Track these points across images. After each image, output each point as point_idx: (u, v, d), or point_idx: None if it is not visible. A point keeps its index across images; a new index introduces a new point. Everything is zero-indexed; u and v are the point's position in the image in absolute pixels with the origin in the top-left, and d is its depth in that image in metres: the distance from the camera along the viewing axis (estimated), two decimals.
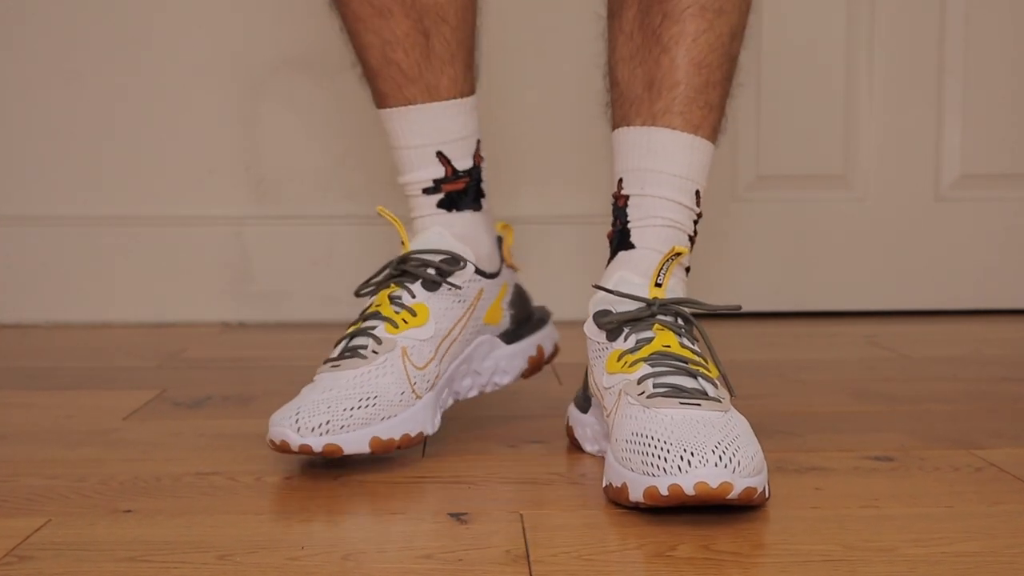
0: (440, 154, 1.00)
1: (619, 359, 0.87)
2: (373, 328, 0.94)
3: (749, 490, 0.76)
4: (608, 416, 0.87)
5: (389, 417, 0.90)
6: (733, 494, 0.76)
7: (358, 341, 0.94)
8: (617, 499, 0.81)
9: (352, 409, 0.89)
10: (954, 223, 1.78)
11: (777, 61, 1.74)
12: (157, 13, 1.72)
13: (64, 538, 0.76)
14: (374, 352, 0.93)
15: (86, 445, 1.00)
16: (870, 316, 1.76)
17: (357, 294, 1.00)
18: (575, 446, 0.99)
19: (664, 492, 0.76)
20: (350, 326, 0.96)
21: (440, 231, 0.99)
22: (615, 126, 0.96)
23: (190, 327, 1.70)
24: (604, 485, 0.84)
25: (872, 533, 0.76)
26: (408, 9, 0.97)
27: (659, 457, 0.77)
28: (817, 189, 1.77)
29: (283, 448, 0.88)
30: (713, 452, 0.76)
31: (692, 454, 0.76)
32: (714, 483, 0.75)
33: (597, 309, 0.91)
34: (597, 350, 0.91)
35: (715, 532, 0.76)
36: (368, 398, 0.90)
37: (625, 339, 0.88)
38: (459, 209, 1.00)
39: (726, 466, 0.75)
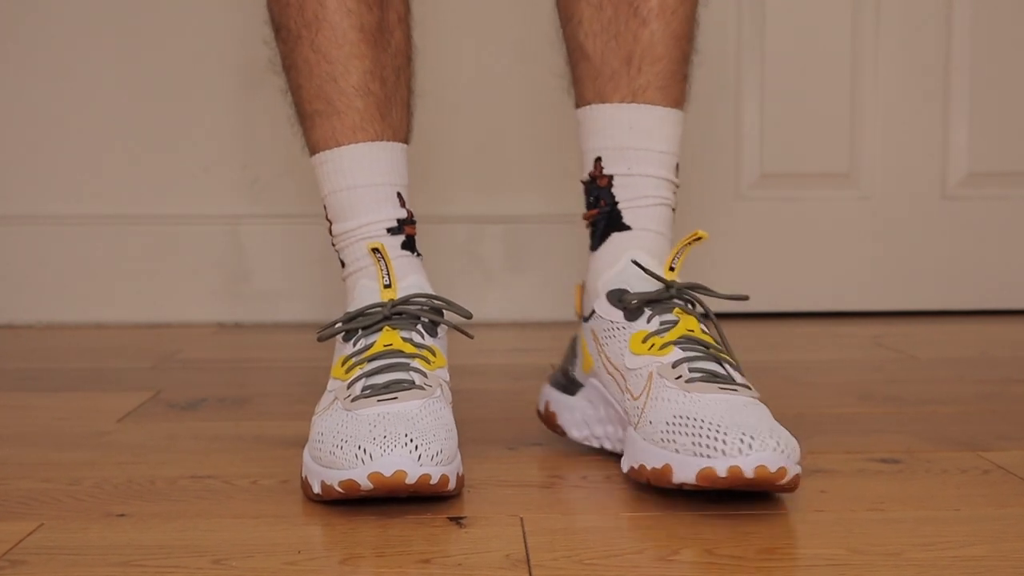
0: (399, 195, 0.96)
1: (645, 341, 0.87)
2: (408, 363, 0.87)
3: (796, 477, 0.78)
4: (636, 398, 0.86)
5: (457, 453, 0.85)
6: (785, 479, 0.77)
7: (399, 376, 0.86)
8: (655, 481, 0.81)
9: (446, 440, 0.82)
10: (961, 222, 1.77)
11: (781, 57, 1.73)
12: (152, 11, 1.71)
13: (57, 542, 0.75)
14: (428, 385, 0.86)
15: (79, 448, 0.99)
16: (876, 316, 1.76)
17: (322, 338, 0.92)
18: (555, 432, 0.98)
19: (722, 473, 0.76)
20: (347, 362, 0.89)
21: (419, 279, 0.94)
22: (586, 102, 0.95)
23: (185, 328, 1.69)
24: (630, 467, 0.84)
25: (878, 537, 0.75)
26: (386, 44, 0.96)
27: (715, 439, 0.77)
28: (822, 187, 1.76)
29: (391, 485, 0.78)
30: (771, 437, 0.77)
31: (752, 437, 0.76)
32: (773, 467, 0.76)
33: (610, 289, 0.91)
34: (611, 329, 0.90)
35: (718, 536, 0.75)
36: (449, 430, 0.83)
37: (648, 320, 0.88)
38: (417, 254, 0.96)
39: (783, 451, 0.77)
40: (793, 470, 0.77)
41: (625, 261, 0.92)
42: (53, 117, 1.72)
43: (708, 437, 0.77)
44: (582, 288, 0.97)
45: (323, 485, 0.81)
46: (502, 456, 0.96)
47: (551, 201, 1.74)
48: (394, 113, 0.97)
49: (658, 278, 0.90)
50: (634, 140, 0.93)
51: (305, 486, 0.84)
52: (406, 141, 0.98)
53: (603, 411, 0.93)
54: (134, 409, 1.14)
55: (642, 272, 0.90)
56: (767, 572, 0.69)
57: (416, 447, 0.78)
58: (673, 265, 0.90)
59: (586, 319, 0.95)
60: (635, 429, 0.85)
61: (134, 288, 1.72)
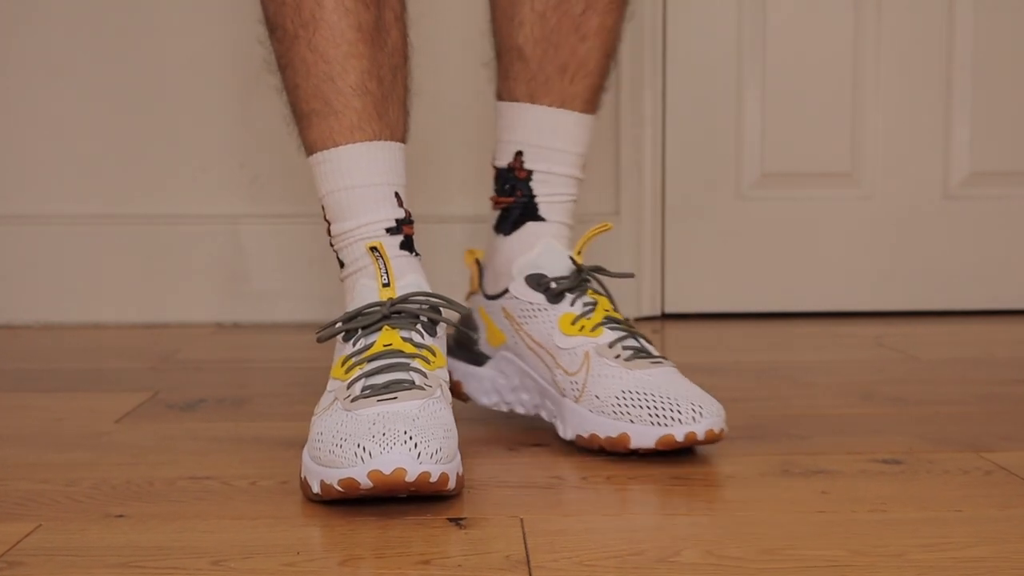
0: (397, 195, 0.96)
1: (574, 323, 0.98)
2: (408, 363, 0.87)
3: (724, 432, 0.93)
4: (573, 374, 0.96)
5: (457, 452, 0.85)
6: (723, 436, 0.92)
7: (399, 376, 0.86)
8: (610, 447, 0.92)
9: (445, 439, 0.81)
10: (963, 222, 1.76)
11: (782, 57, 1.73)
12: (150, 10, 1.71)
13: (55, 543, 0.75)
14: (428, 386, 0.85)
15: (77, 448, 0.99)
16: (878, 317, 1.75)
17: (322, 338, 0.92)
18: (460, 399, 1.04)
19: (680, 439, 0.90)
20: (347, 362, 0.89)
21: (417, 279, 0.94)
22: (514, 98, 1.03)
23: (184, 328, 1.69)
24: (578, 436, 0.95)
25: (880, 538, 0.75)
26: (383, 43, 0.96)
27: (671, 409, 0.91)
28: (823, 187, 1.75)
29: (391, 483, 0.78)
30: (711, 404, 0.92)
31: (702, 406, 0.91)
32: (717, 429, 0.91)
33: (527, 273, 1.01)
34: (531, 310, 1.00)
35: (719, 537, 0.75)
36: (448, 430, 0.83)
37: (572, 304, 0.99)
38: (416, 254, 0.96)
39: (720, 416, 0.92)
40: (725, 428, 0.92)
41: (540, 248, 1.01)
42: (53, 117, 1.72)
43: (664, 408, 0.91)
44: (478, 264, 1.06)
45: (322, 484, 0.80)
46: (502, 457, 0.96)
47: None
48: (391, 112, 0.97)
49: (574, 263, 1.01)
50: (557, 142, 1.02)
51: (304, 487, 0.83)
52: (403, 140, 0.98)
53: (517, 380, 1.03)
54: (132, 410, 1.14)
55: (555, 258, 1.01)
56: (768, 573, 0.69)
57: (415, 445, 0.78)
58: (580, 250, 1.02)
59: (493, 297, 1.04)
60: (576, 402, 0.95)
61: (132, 288, 1.71)
